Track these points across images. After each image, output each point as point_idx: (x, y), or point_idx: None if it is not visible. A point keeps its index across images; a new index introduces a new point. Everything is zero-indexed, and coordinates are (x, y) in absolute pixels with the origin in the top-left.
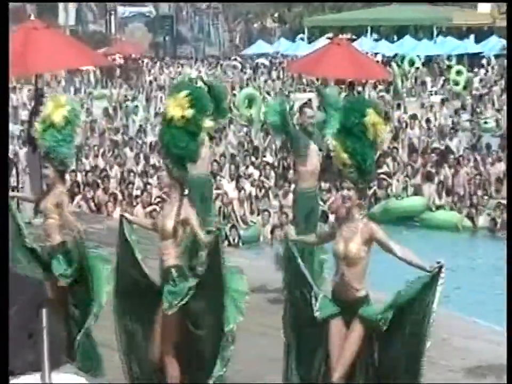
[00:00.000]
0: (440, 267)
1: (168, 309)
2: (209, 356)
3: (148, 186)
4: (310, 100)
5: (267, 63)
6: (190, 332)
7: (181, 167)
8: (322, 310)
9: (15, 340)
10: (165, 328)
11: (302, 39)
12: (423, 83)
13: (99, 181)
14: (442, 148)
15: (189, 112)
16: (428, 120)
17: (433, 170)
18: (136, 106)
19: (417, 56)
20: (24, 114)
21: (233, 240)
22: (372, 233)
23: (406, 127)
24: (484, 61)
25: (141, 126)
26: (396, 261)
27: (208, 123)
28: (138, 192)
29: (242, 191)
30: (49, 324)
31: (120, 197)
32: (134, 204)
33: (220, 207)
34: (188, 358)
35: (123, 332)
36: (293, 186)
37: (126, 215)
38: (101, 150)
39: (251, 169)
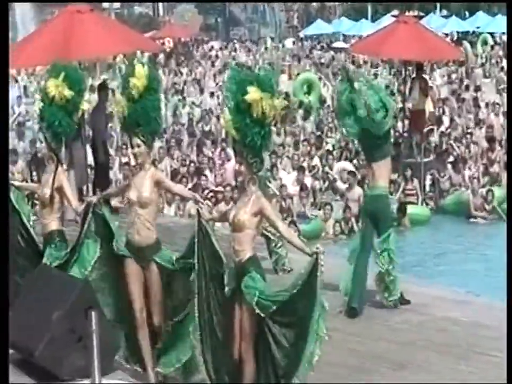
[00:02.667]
0: (317, 253)
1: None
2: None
3: (203, 180)
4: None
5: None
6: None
7: (59, 141)
8: (229, 284)
9: (63, 344)
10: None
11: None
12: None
13: None
14: None
15: (69, 94)
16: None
17: None
18: (182, 99)
19: (491, 34)
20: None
21: None
22: (261, 207)
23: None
24: None
25: (191, 116)
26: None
27: (85, 105)
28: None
29: (304, 184)
30: (99, 326)
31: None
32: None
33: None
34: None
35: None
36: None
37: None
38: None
39: (316, 160)
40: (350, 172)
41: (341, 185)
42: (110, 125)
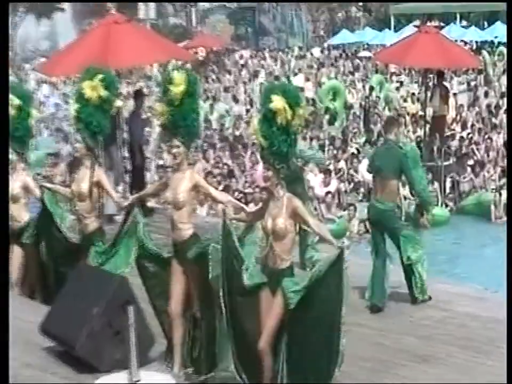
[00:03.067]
0: (342, 248)
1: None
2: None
3: (233, 182)
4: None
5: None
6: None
7: (96, 140)
8: (251, 279)
9: (101, 338)
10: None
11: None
12: None
13: None
14: None
15: (105, 94)
16: None
17: None
18: (210, 105)
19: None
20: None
21: None
22: (294, 207)
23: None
24: None
25: (222, 122)
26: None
27: (118, 103)
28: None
29: (330, 187)
30: (136, 320)
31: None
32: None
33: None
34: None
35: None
36: None
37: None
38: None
39: (341, 164)
40: None
41: (368, 176)
42: (147, 129)
